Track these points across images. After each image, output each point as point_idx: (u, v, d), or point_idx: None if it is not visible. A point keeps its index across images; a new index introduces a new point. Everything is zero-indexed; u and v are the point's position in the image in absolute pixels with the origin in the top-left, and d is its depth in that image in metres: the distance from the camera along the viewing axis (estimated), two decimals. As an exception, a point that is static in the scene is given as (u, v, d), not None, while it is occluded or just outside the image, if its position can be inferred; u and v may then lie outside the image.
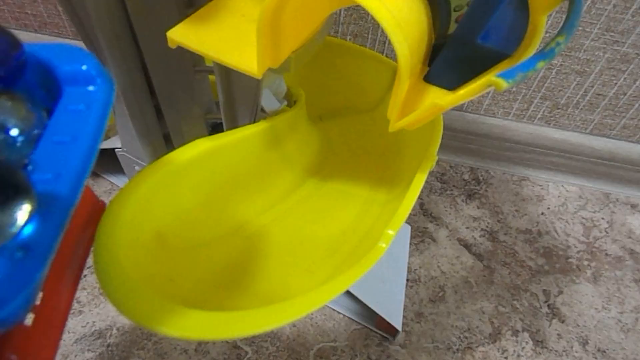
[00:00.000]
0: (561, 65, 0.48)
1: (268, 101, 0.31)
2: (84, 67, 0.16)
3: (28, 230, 0.12)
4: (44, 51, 0.17)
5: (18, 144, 0.15)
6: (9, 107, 0.15)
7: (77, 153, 0.14)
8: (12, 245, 0.11)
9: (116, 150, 0.39)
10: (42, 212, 0.12)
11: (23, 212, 0.11)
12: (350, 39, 0.50)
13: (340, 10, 0.48)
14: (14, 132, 0.14)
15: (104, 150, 0.38)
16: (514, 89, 0.51)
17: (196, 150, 0.25)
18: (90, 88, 0.16)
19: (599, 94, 0.50)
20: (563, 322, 0.43)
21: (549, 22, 0.45)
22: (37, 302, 0.14)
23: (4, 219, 0.10)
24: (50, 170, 0.14)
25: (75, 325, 0.39)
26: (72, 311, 0.40)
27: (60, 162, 0.14)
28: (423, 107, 0.22)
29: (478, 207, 0.52)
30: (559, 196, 0.55)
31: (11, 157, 0.14)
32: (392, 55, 0.49)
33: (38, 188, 0.13)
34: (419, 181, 0.26)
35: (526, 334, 0.42)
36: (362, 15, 0.48)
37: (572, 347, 0.41)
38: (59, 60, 0.16)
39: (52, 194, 0.13)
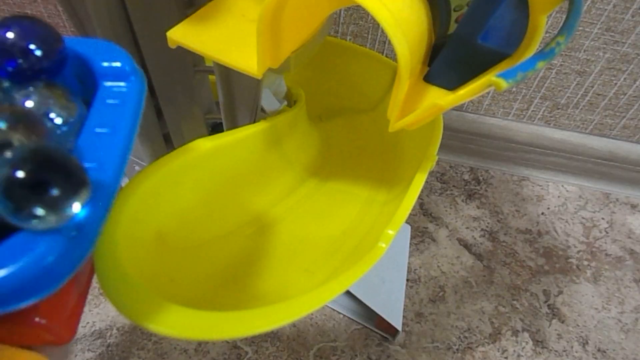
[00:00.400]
0: (561, 65, 0.48)
1: (268, 101, 0.31)
2: (120, 64, 0.17)
3: (82, 213, 0.13)
4: (82, 46, 0.17)
5: (61, 133, 0.15)
6: (53, 98, 0.15)
7: (117, 144, 0.15)
8: (69, 226, 0.13)
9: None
10: (91, 197, 0.13)
11: (81, 199, 0.12)
12: (350, 39, 0.50)
13: (340, 10, 0.48)
14: (58, 120, 0.15)
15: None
16: (514, 89, 0.51)
17: (196, 150, 0.25)
18: (125, 84, 0.17)
19: (599, 94, 0.50)
20: (563, 322, 0.43)
21: (549, 22, 0.45)
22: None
23: (65, 203, 0.12)
24: (94, 160, 0.14)
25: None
26: (72, 311, 0.40)
27: (102, 152, 0.15)
28: (423, 107, 0.22)
29: (478, 207, 0.52)
30: (559, 196, 0.55)
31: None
32: (392, 55, 0.49)
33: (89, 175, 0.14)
34: (419, 181, 0.26)
35: (526, 334, 0.42)
36: (362, 15, 0.48)
37: (572, 347, 0.41)
38: (96, 55, 0.17)
39: (98, 182, 0.14)
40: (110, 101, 0.16)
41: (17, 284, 0.11)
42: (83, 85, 0.18)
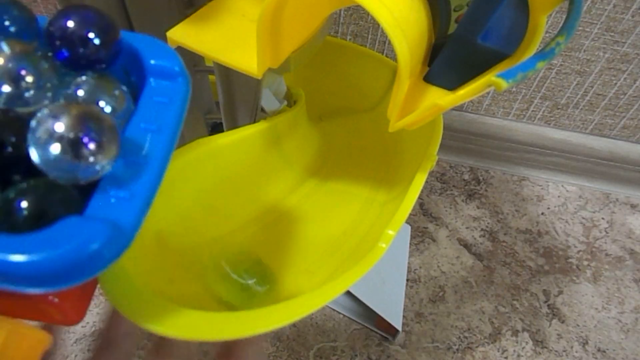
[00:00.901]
0: (561, 65, 0.48)
1: (268, 101, 0.31)
2: (169, 64, 0.17)
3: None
4: (134, 40, 0.17)
5: None
6: (104, 88, 0.16)
7: (162, 141, 0.15)
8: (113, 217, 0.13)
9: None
10: (134, 191, 0.14)
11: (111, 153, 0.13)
12: (350, 39, 0.50)
13: (340, 10, 0.48)
14: (107, 109, 0.15)
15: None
16: (514, 89, 0.51)
17: (196, 150, 0.25)
18: (173, 83, 0.17)
19: (599, 94, 0.50)
20: (563, 322, 0.43)
21: (549, 22, 0.45)
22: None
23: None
24: (139, 155, 0.15)
25: (75, 325, 0.39)
26: (72, 311, 0.40)
27: (147, 148, 0.15)
28: (423, 107, 0.22)
29: (478, 207, 0.52)
30: (559, 196, 0.55)
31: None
32: (392, 55, 0.49)
33: (129, 169, 0.14)
34: (419, 181, 0.26)
35: (526, 334, 0.42)
36: (362, 15, 0.48)
37: (572, 347, 0.41)
38: (147, 51, 0.17)
39: (141, 177, 0.14)
40: (157, 99, 0.16)
41: (60, 267, 0.12)
42: (129, 78, 0.18)
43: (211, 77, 0.31)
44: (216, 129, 0.35)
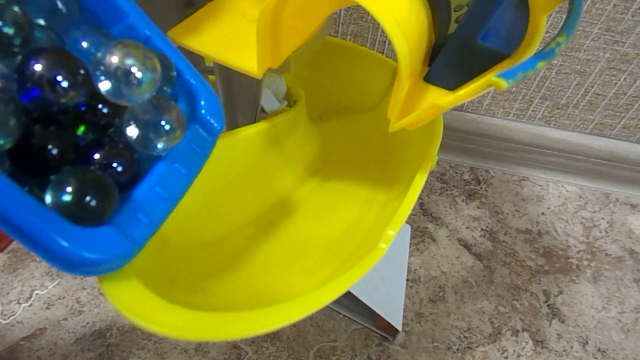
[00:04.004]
0: (561, 65, 0.48)
1: (268, 101, 0.31)
2: (215, 121, 0.19)
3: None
4: (195, 80, 0.19)
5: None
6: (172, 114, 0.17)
7: (185, 186, 0.18)
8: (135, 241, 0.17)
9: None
10: (151, 219, 0.17)
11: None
12: (350, 39, 0.50)
13: (340, 10, 0.48)
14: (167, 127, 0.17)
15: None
16: (514, 89, 0.51)
17: (196, 151, 0.25)
18: (211, 138, 0.19)
19: (599, 94, 0.50)
20: (563, 322, 0.43)
21: (549, 22, 0.45)
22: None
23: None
24: (166, 189, 0.17)
25: (75, 325, 0.39)
26: (72, 311, 0.40)
27: (174, 187, 0.18)
28: (423, 107, 0.22)
29: (478, 207, 0.52)
30: (559, 196, 0.55)
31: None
32: (392, 55, 0.49)
33: (156, 199, 0.17)
34: (419, 181, 0.26)
35: (526, 334, 0.42)
36: (362, 15, 0.48)
37: (572, 347, 0.41)
38: (199, 99, 0.19)
39: (161, 204, 0.17)
40: (194, 146, 0.19)
41: (84, 264, 0.14)
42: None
43: (211, 77, 0.31)
44: (216, 129, 0.35)
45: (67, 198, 0.14)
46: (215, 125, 0.19)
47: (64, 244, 0.13)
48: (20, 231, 0.13)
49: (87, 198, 0.14)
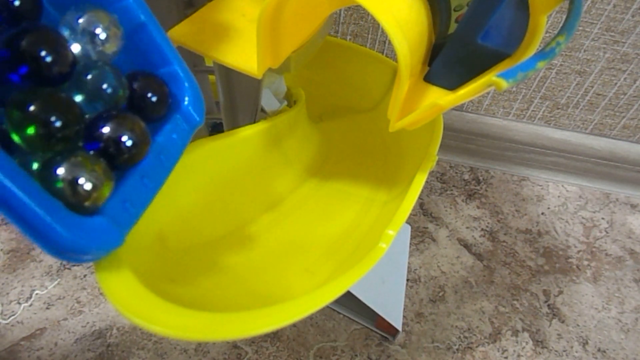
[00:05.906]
0: (561, 65, 0.48)
1: (268, 101, 0.31)
2: (198, 115, 0.20)
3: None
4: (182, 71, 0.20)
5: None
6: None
7: (166, 173, 0.19)
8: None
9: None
10: (135, 206, 0.18)
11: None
12: (350, 39, 0.50)
13: (340, 10, 0.48)
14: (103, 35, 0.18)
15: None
16: (514, 89, 0.51)
17: (196, 151, 0.25)
18: (190, 129, 0.20)
19: (599, 94, 0.50)
20: (563, 322, 0.43)
21: (549, 22, 0.45)
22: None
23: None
24: (151, 177, 0.18)
25: (75, 325, 0.39)
26: (72, 311, 0.40)
27: (157, 174, 0.19)
28: (423, 107, 0.22)
29: (478, 207, 0.52)
30: (559, 196, 0.55)
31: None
32: (392, 55, 0.49)
33: (142, 187, 0.18)
34: (419, 181, 0.26)
35: (526, 334, 0.42)
36: (362, 15, 0.48)
37: (572, 347, 0.41)
38: (181, 90, 0.20)
39: (140, 191, 0.18)
40: (175, 136, 0.19)
41: (76, 250, 0.15)
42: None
43: (211, 77, 0.31)
44: (216, 129, 0.35)
45: (60, 185, 0.15)
46: (196, 117, 0.20)
47: (61, 230, 0.14)
48: (17, 213, 0.13)
49: (81, 181, 0.15)
